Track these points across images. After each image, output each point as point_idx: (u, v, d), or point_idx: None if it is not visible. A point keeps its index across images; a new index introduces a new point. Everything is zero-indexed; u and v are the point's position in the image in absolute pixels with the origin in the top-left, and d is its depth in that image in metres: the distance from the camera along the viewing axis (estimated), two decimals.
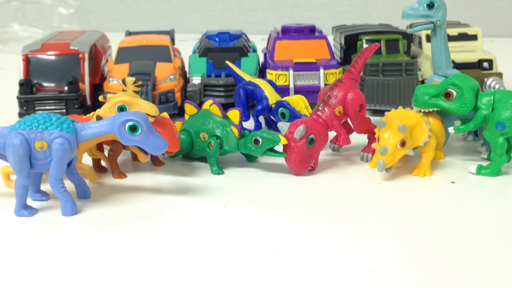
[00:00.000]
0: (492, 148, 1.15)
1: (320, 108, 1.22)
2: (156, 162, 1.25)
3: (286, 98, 1.33)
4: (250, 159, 1.25)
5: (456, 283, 0.80)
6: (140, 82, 1.16)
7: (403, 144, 1.12)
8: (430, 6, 1.25)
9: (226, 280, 0.82)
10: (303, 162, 1.17)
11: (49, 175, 1.02)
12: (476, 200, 1.06)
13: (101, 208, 1.05)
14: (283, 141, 1.14)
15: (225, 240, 0.92)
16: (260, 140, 1.15)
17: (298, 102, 1.30)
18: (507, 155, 1.16)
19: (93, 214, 1.03)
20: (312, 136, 1.16)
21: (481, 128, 1.19)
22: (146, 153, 1.06)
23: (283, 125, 1.17)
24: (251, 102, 1.42)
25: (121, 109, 1.12)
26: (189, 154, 1.26)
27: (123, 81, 1.15)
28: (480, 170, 1.16)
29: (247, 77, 1.49)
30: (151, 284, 0.81)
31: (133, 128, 1.01)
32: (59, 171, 1.02)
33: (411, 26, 1.74)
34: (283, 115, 1.31)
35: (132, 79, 1.15)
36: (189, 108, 1.25)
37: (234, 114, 1.20)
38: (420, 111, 1.18)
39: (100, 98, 1.17)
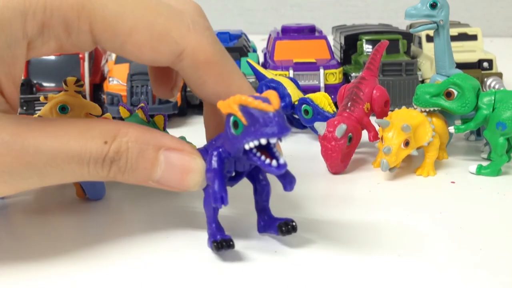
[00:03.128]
0: (493, 148, 1.15)
1: (349, 106, 1.23)
2: None
3: (309, 95, 1.33)
4: None
5: (456, 283, 0.80)
6: (81, 82, 1.15)
7: (406, 144, 1.12)
8: (433, 6, 1.25)
9: (226, 280, 0.82)
10: (343, 161, 1.17)
11: None
12: (476, 200, 1.06)
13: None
14: None
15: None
16: None
17: (322, 99, 1.30)
18: (507, 155, 1.16)
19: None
20: (350, 134, 1.16)
21: (483, 127, 1.19)
22: (84, 192, 1.06)
23: (319, 125, 1.16)
24: None
25: (63, 109, 1.12)
26: None
27: (64, 81, 1.14)
28: (480, 170, 1.16)
29: (269, 75, 1.49)
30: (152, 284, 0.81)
31: None
32: None
33: (411, 26, 1.73)
34: (306, 112, 1.31)
35: (74, 79, 1.14)
36: (123, 111, 1.24)
37: (159, 120, 1.18)
38: (423, 111, 1.18)
39: (41, 98, 1.15)
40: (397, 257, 0.86)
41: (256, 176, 0.91)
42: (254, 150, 0.79)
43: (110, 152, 0.79)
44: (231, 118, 0.79)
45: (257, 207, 0.93)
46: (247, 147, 0.78)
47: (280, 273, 0.83)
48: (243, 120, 0.77)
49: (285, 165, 0.79)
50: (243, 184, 1.16)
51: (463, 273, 0.82)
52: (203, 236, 0.94)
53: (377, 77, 1.32)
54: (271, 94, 0.77)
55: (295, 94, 1.38)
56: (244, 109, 0.77)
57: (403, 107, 1.19)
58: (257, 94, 0.80)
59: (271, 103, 0.76)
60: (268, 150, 0.79)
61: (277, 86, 1.40)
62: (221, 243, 0.85)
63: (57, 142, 0.77)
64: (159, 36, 0.81)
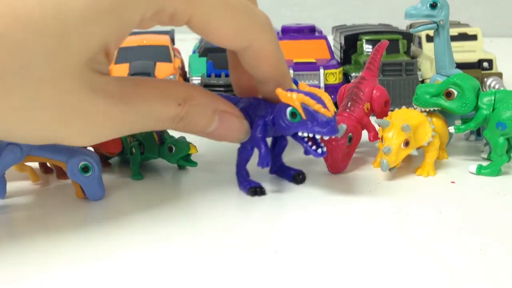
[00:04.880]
0: (493, 148, 1.15)
1: (349, 106, 1.23)
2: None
3: None
4: (180, 167, 1.23)
5: (456, 283, 0.80)
6: None
7: (406, 144, 1.12)
8: (433, 6, 1.25)
9: (226, 280, 0.82)
10: (343, 161, 1.17)
11: None
12: (476, 200, 1.06)
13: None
14: (193, 150, 1.12)
15: (225, 240, 0.92)
16: (173, 147, 1.14)
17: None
18: (507, 155, 1.16)
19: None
20: (350, 134, 1.16)
21: (483, 127, 1.19)
22: (84, 193, 1.07)
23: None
24: None
25: None
26: (122, 157, 1.24)
27: None
28: (480, 170, 1.16)
29: None
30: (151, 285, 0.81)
31: (85, 169, 1.04)
32: None
33: (411, 26, 1.73)
34: None
35: None
36: None
37: None
38: (423, 111, 1.18)
39: None
40: (397, 257, 0.86)
41: (281, 136, 1.14)
42: (304, 136, 1.02)
43: (182, 113, 0.98)
44: (290, 109, 1.01)
45: (272, 154, 1.14)
46: (300, 134, 1.02)
47: (280, 273, 0.83)
48: (303, 115, 0.99)
49: (325, 153, 1.04)
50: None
51: (463, 273, 0.82)
52: (203, 236, 0.94)
53: (377, 77, 1.32)
54: (327, 98, 0.99)
55: None
56: (306, 107, 0.99)
57: (403, 107, 1.19)
58: (307, 88, 1.02)
59: (329, 109, 0.98)
60: (313, 138, 1.02)
61: None
62: (255, 190, 1.08)
63: (146, 106, 0.94)
64: (238, 34, 0.98)
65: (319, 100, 0.99)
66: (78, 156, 1.04)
